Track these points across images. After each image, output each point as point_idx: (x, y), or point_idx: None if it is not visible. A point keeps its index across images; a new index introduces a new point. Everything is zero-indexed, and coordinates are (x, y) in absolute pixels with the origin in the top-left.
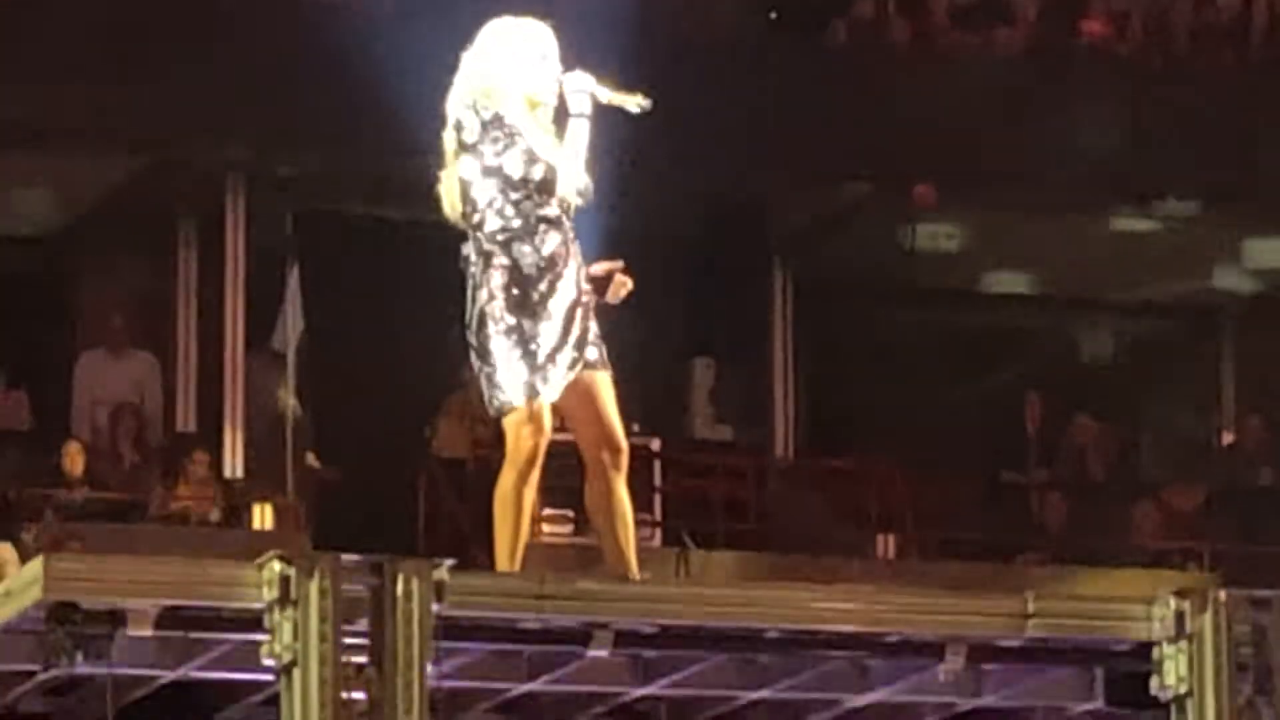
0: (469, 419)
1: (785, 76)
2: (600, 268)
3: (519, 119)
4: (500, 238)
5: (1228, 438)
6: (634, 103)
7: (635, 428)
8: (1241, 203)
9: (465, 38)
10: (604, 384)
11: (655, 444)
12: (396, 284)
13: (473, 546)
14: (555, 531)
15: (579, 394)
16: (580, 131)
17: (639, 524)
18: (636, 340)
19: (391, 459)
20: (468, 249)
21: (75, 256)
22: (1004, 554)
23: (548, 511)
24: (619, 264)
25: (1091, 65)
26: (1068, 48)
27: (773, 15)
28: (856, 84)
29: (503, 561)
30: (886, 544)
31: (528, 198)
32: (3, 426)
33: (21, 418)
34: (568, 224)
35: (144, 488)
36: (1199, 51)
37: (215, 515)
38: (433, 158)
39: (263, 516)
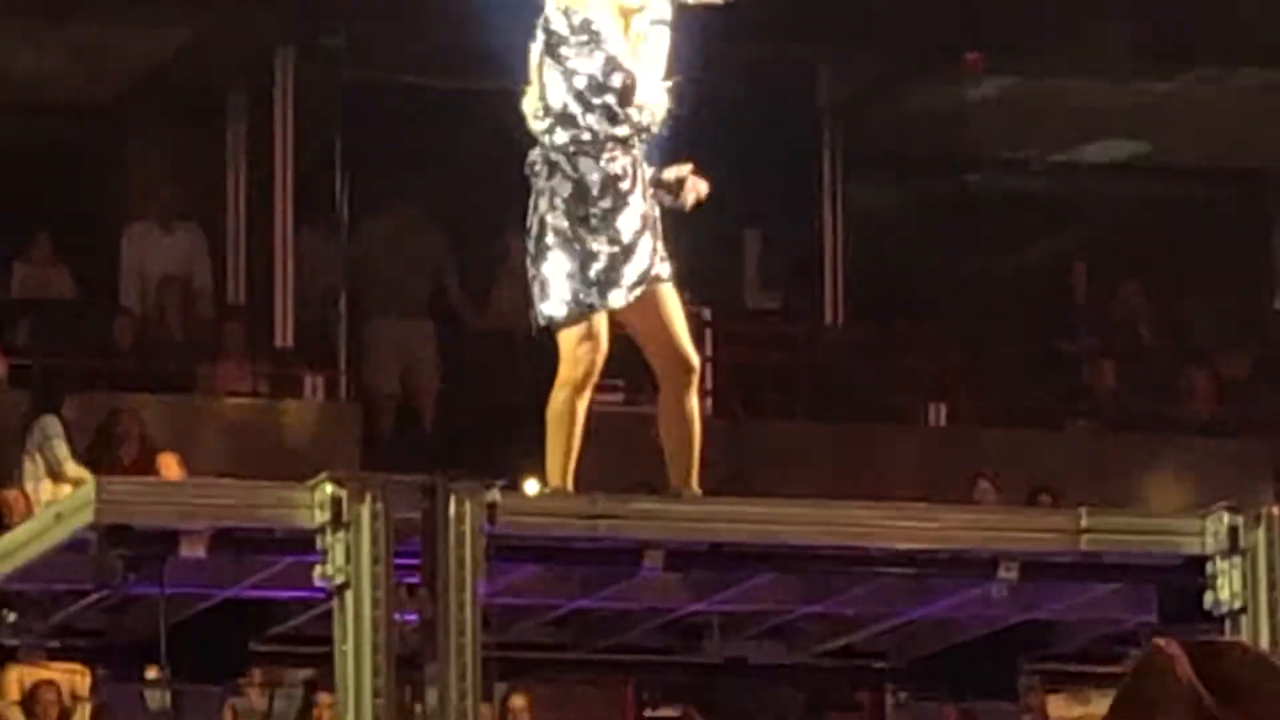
0: (520, 291)
1: None
2: (672, 172)
3: (606, 25)
4: (570, 149)
5: (1277, 304)
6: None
7: (687, 297)
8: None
9: None
10: (671, 299)
11: (706, 313)
12: (446, 154)
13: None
14: (605, 400)
15: (647, 310)
16: (660, 39)
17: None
18: (686, 211)
19: (445, 330)
20: (534, 156)
21: (123, 128)
22: (1055, 422)
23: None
24: (688, 168)
25: None
26: None
27: None
28: None
29: (555, 477)
30: (938, 412)
31: (603, 112)
32: (50, 296)
33: (67, 288)
34: (638, 145)
35: (194, 359)
36: None
37: (265, 388)
38: (481, 31)
39: (314, 389)
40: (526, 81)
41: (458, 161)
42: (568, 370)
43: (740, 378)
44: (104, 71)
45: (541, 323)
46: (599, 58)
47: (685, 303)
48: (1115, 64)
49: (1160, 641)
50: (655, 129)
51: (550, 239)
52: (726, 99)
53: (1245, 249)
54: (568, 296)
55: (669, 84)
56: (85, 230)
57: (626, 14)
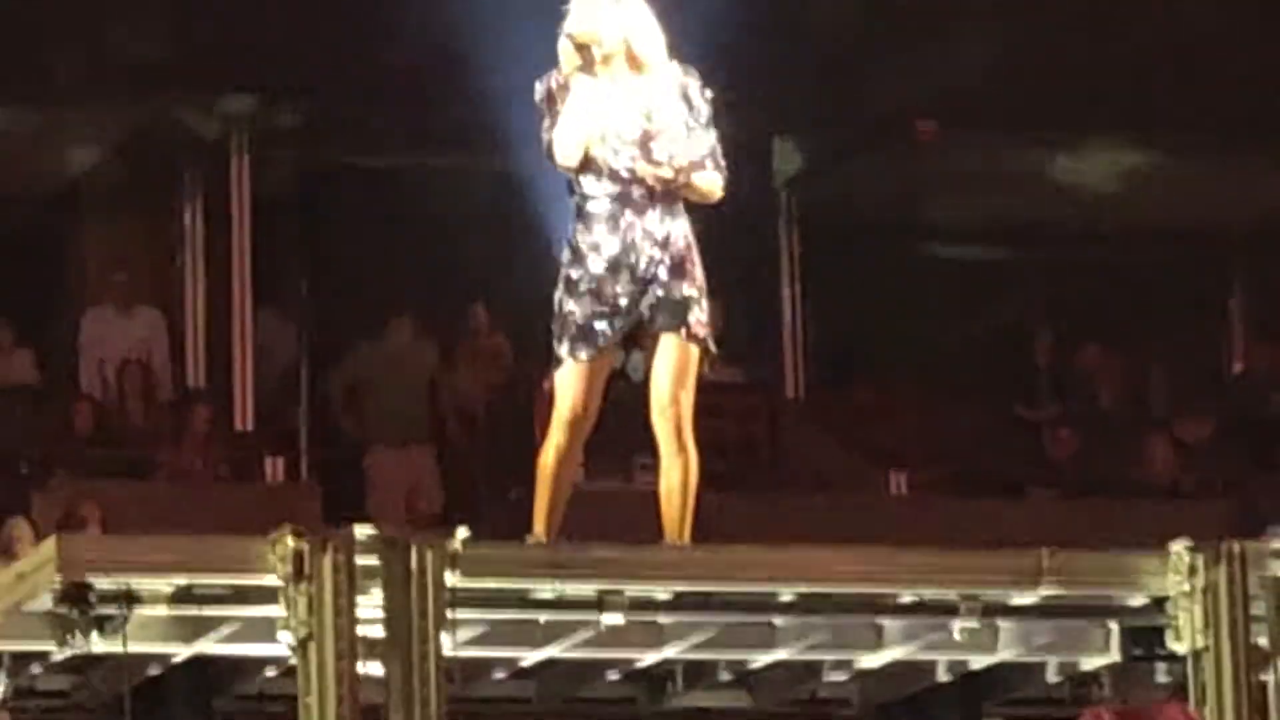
0: (480, 364)
1: (790, 11)
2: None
3: (577, 78)
4: (572, 207)
5: (1237, 367)
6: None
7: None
8: (1246, 132)
9: None
10: (663, 344)
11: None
12: (403, 232)
13: (481, 492)
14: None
15: (650, 356)
16: (583, 90)
17: (648, 468)
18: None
19: (405, 409)
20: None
21: (79, 212)
22: (1015, 489)
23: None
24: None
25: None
26: None
27: None
28: (858, 23)
29: (538, 528)
30: (899, 481)
31: (578, 177)
32: (11, 383)
33: (29, 375)
34: (639, 197)
35: (154, 444)
36: None
37: (225, 470)
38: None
39: (274, 470)
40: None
41: (418, 239)
42: (559, 410)
43: (701, 450)
44: (60, 156)
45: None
46: (544, 126)
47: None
48: (1071, 131)
49: (1089, 714)
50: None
51: (563, 280)
52: None
53: (1205, 314)
54: (558, 346)
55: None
56: (45, 316)
57: (580, 48)
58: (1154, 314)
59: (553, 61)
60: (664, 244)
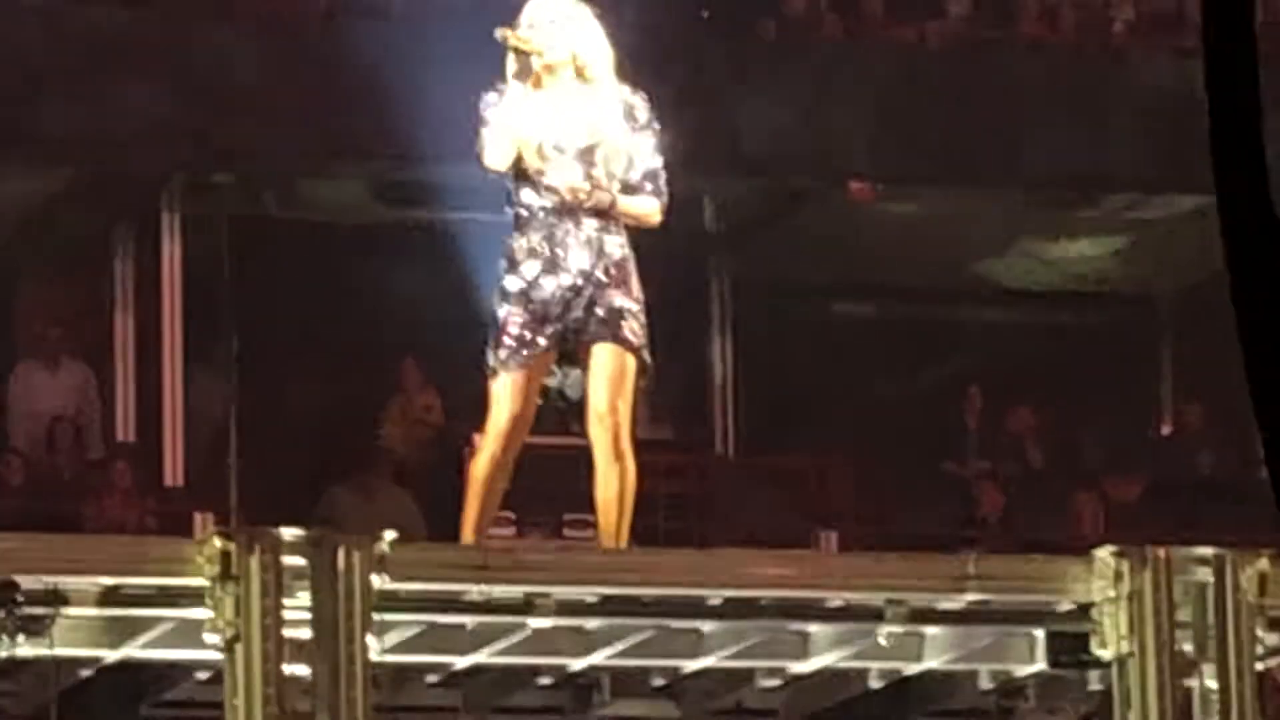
0: (410, 420)
1: (717, 73)
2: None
3: (510, 90)
4: (510, 219)
5: (1166, 428)
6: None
7: (575, 428)
8: (1175, 195)
9: (402, 37)
10: (596, 354)
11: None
12: (333, 287)
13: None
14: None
15: (584, 363)
16: (524, 100)
17: (579, 524)
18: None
19: (337, 461)
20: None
21: (10, 268)
22: (945, 546)
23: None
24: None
25: (1026, 58)
26: (1001, 41)
27: (705, 14)
28: (789, 79)
29: (467, 533)
30: (828, 539)
31: (515, 180)
32: None
33: None
34: (569, 213)
35: (83, 499)
36: (1136, 43)
37: (154, 525)
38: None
39: (204, 525)
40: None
41: (346, 294)
42: (493, 418)
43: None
44: None
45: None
46: (482, 131)
47: (572, 433)
48: (1005, 192)
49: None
50: (601, 181)
51: (498, 290)
52: None
53: (1134, 374)
54: (489, 356)
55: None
56: None
57: (522, 56)
58: (1084, 374)
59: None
60: (600, 253)
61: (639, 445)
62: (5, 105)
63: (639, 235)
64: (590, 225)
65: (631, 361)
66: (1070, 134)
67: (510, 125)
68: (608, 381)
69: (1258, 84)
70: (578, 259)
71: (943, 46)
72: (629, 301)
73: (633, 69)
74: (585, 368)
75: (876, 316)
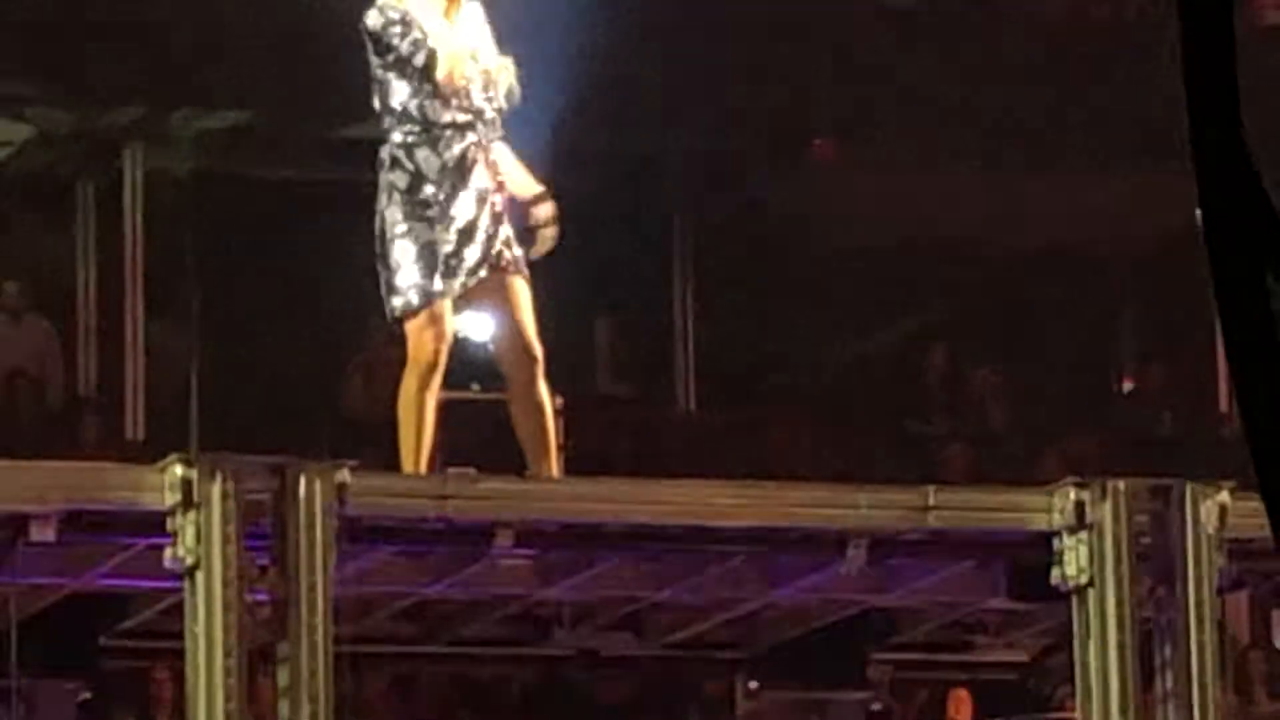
0: (374, 380)
1: (679, 30)
2: (536, 213)
3: (423, 12)
4: (407, 141)
5: (1128, 386)
6: None
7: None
8: (1137, 153)
9: None
10: (517, 288)
11: (559, 402)
12: (295, 245)
13: None
14: None
15: (492, 299)
16: (473, 13)
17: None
18: (538, 300)
19: (295, 422)
20: (381, 153)
21: None
22: None
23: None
24: (550, 211)
25: (991, 15)
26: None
27: None
28: (752, 36)
29: (408, 465)
30: None
31: (433, 99)
32: None
33: None
34: (482, 130)
35: (45, 452)
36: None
37: None
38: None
39: None
40: (369, 80)
41: (308, 251)
42: (414, 358)
43: (594, 464)
44: None
45: (391, 316)
46: (408, 42)
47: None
48: (963, 151)
49: None
50: (501, 105)
51: (392, 232)
52: (576, 189)
53: (1095, 332)
54: (413, 286)
55: (504, 60)
56: None
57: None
58: (1045, 333)
59: None
60: (498, 182)
61: (602, 400)
62: None
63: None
64: (491, 152)
65: (527, 288)
66: (1034, 92)
67: (459, 46)
68: (528, 319)
69: (1231, 15)
70: (486, 184)
71: (909, 5)
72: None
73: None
74: (489, 303)
75: (840, 273)
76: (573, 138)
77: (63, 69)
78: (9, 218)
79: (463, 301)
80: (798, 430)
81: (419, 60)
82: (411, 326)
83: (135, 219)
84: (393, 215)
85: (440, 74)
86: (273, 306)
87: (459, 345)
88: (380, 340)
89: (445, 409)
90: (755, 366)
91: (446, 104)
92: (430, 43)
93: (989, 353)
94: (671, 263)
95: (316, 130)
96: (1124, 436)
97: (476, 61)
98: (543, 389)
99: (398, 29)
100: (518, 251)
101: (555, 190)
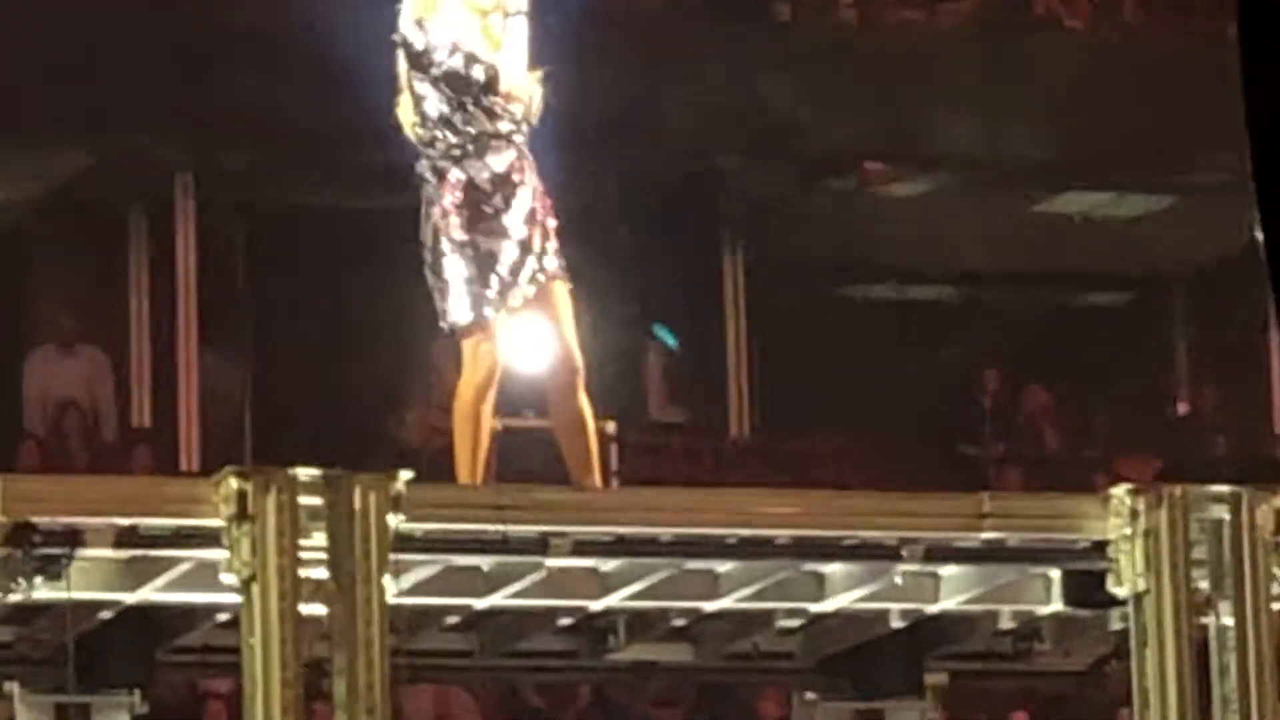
0: (431, 410)
1: (731, 55)
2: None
3: (461, 26)
4: (454, 153)
5: (1182, 408)
6: None
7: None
8: (1191, 176)
9: None
10: (560, 297)
11: (611, 427)
12: (350, 273)
13: None
14: None
15: (535, 307)
16: (520, 30)
17: None
18: (589, 324)
19: (351, 452)
20: (420, 166)
21: (24, 253)
22: None
23: None
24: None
25: (1041, 39)
26: (1016, 21)
27: None
28: (803, 61)
29: (463, 476)
30: None
31: (479, 110)
32: None
33: None
34: (522, 141)
35: None
36: (1149, 24)
37: None
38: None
39: None
40: (397, 92)
41: (362, 279)
42: (470, 372)
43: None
44: (5, 197)
45: (446, 329)
46: (459, 58)
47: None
48: (1017, 175)
49: None
50: (533, 120)
51: (446, 245)
52: (628, 210)
53: (1150, 355)
54: (469, 301)
55: (537, 74)
56: None
57: (483, 12)
58: (1099, 355)
59: None
60: (541, 191)
61: (655, 428)
62: (22, 89)
63: (653, 217)
64: (531, 162)
65: (568, 293)
66: (1083, 117)
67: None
68: (567, 323)
69: None
70: (528, 190)
71: (955, 28)
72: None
73: (649, 50)
74: (536, 307)
75: (891, 297)
76: (625, 162)
77: (113, 99)
78: (62, 249)
79: (514, 311)
80: (850, 455)
81: (478, 75)
82: (467, 341)
83: (188, 249)
84: (448, 227)
85: (504, 88)
86: (326, 336)
87: (509, 374)
88: (438, 369)
89: (499, 437)
90: (807, 391)
91: (494, 116)
92: (485, 58)
93: (1042, 375)
94: (723, 288)
95: (368, 157)
96: (1178, 459)
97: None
98: (583, 401)
99: (442, 44)
100: (559, 260)
101: (606, 214)
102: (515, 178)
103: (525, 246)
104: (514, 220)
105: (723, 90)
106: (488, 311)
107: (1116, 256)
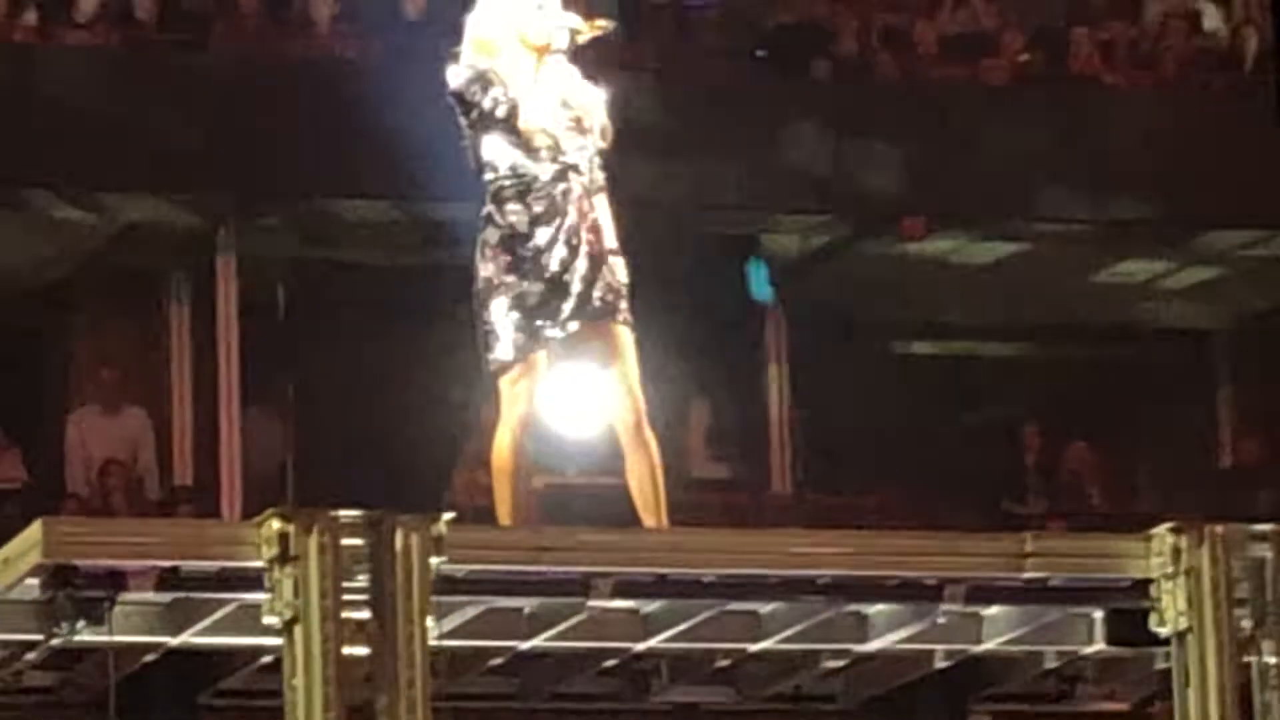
0: (481, 469)
1: (771, 112)
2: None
3: (506, 66)
4: (500, 196)
5: (1226, 462)
6: (599, 28)
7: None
8: (1229, 228)
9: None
10: (618, 339)
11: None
12: (394, 331)
13: None
14: None
15: (595, 349)
16: (554, 67)
17: None
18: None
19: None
20: (482, 212)
21: (66, 312)
22: None
23: None
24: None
25: (1078, 93)
26: (1054, 77)
27: (759, 54)
28: (843, 118)
29: (503, 519)
30: None
31: (523, 151)
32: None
33: (17, 475)
34: (575, 179)
35: None
36: (1187, 79)
37: None
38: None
39: None
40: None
41: (408, 337)
42: (507, 409)
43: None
44: (47, 256)
45: (491, 369)
46: (490, 97)
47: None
48: (1060, 228)
49: None
50: (596, 150)
51: (487, 287)
52: (669, 268)
53: (1193, 409)
54: (506, 341)
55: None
56: (32, 415)
57: (538, 51)
58: (1142, 409)
59: None
60: (596, 230)
61: (696, 484)
62: (62, 150)
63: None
64: (588, 200)
65: (632, 337)
66: (1121, 171)
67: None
68: (624, 367)
69: None
70: (583, 235)
71: (997, 84)
72: (621, 273)
73: (689, 107)
74: (589, 345)
75: (932, 353)
76: (666, 219)
77: (155, 156)
78: (104, 307)
79: (565, 352)
80: (892, 511)
81: (500, 113)
82: (504, 380)
83: (229, 306)
84: (487, 270)
85: (522, 124)
86: (370, 395)
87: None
88: (486, 430)
89: (541, 495)
90: (849, 448)
91: (535, 156)
92: (511, 94)
93: (1085, 430)
94: (765, 343)
95: (411, 213)
96: (1223, 513)
97: (569, 108)
98: (641, 441)
99: (478, 85)
100: (621, 300)
101: (647, 271)
102: (555, 218)
103: (561, 285)
104: (553, 260)
105: (764, 147)
106: (523, 350)
107: (1158, 309)
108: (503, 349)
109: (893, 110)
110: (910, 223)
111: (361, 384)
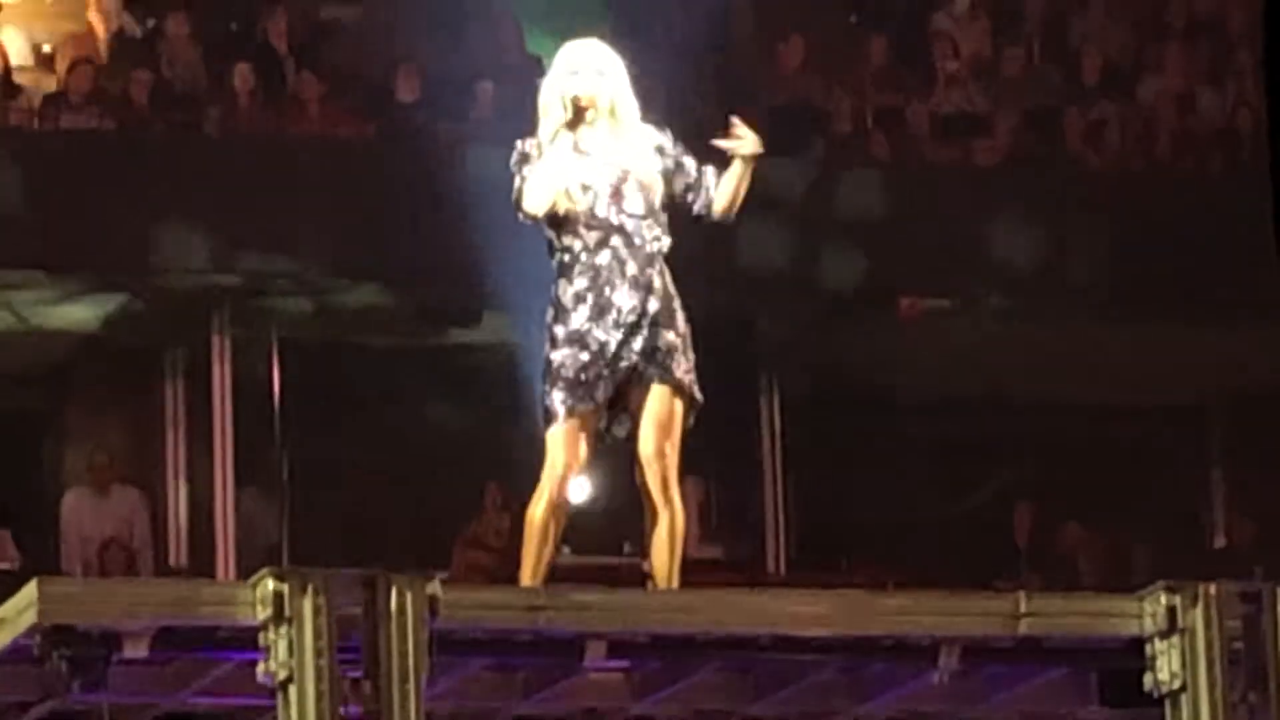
0: (479, 548)
1: (766, 191)
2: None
3: (550, 137)
4: (554, 271)
5: (1219, 541)
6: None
7: (626, 548)
8: (1220, 305)
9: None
10: (657, 394)
11: (647, 565)
12: (390, 412)
13: None
14: None
15: (635, 405)
16: (561, 146)
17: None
18: (624, 464)
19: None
20: None
21: (61, 393)
22: None
23: None
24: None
25: (1071, 175)
26: (1047, 158)
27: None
28: (836, 198)
29: (526, 579)
30: None
31: (557, 226)
32: None
33: (9, 556)
34: (620, 242)
35: None
36: (1181, 160)
37: None
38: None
39: None
40: None
41: (404, 418)
42: (546, 473)
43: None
44: (41, 340)
45: (540, 426)
46: (519, 177)
47: (624, 555)
48: (1052, 307)
49: None
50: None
51: (547, 348)
52: None
53: (1185, 487)
54: (546, 406)
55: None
56: (24, 497)
57: (576, 113)
58: (1134, 488)
59: None
60: (647, 289)
61: (689, 565)
62: (56, 231)
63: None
64: (634, 264)
65: (680, 404)
66: (1116, 250)
67: (554, 171)
68: (656, 425)
69: None
70: (625, 299)
71: (989, 164)
72: (677, 338)
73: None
74: (633, 409)
75: (925, 433)
76: None
77: (150, 240)
78: (98, 387)
79: (616, 411)
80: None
81: (514, 194)
82: (550, 432)
83: (224, 386)
84: (547, 335)
85: (527, 205)
86: (365, 475)
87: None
88: (488, 510)
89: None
90: (844, 528)
91: (569, 229)
92: (525, 171)
93: (1077, 508)
94: (759, 423)
95: (408, 297)
96: None
97: (615, 169)
98: (664, 500)
99: (517, 165)
100: (671, 360)
101: None
102: (600, 287)
103: (600, 353)
104: (594, 330)
105: (754, 227)
106: (558, 414)
107: (1150, 387)
108: (543, 414)
109: (887, 189)
110: (907, 303)
111: (356, 464)
